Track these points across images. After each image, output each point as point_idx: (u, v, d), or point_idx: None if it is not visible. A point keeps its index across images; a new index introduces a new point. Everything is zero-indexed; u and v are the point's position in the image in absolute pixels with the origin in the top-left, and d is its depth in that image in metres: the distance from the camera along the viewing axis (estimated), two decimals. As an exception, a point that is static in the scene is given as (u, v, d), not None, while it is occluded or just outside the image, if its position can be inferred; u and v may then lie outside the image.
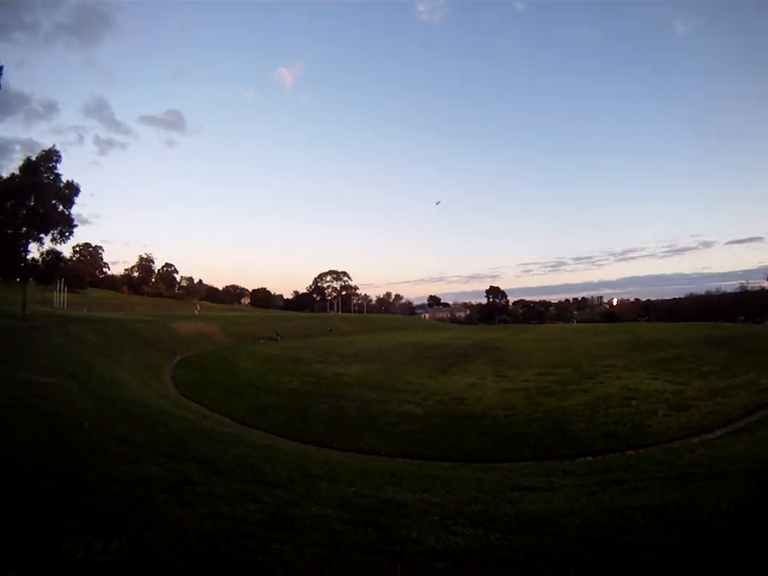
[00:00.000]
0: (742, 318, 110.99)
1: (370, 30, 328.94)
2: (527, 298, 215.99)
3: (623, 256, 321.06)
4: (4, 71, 40.41)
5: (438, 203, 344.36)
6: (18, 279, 52.28)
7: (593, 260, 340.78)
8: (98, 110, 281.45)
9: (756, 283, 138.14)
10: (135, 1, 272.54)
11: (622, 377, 27.31)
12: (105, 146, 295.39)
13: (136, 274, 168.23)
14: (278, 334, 72.81)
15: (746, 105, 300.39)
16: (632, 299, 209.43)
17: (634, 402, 20.61)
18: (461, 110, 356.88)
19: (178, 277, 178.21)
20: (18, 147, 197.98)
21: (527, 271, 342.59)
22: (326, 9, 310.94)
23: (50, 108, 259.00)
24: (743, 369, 27.92)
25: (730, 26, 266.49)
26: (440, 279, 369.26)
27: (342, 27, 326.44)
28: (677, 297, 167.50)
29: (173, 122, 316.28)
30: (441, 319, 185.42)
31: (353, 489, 7.81)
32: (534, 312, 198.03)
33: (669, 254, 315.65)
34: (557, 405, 21.02)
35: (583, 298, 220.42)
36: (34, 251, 46.45)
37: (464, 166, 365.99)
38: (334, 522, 5.76)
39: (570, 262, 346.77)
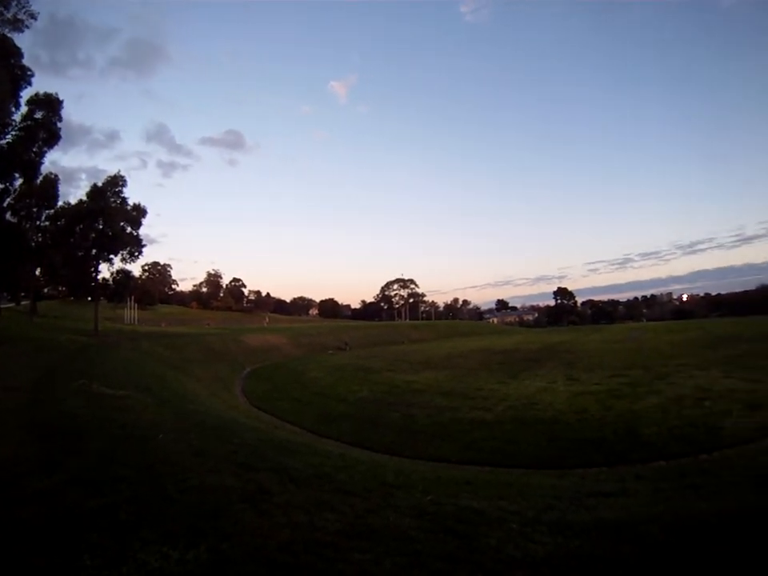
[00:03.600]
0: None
1: (416, 36, 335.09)
2: (595, 298, 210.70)
3: (691, 249, 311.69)
4: (64, 105, 43.47)
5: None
6: (90, 298, 54.68)
7: (660, 255, 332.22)
8: (159, 135, 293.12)
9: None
10: (184, 29, 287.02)
11: (695, 376, 26.40)
12: (168, 168, 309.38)
13: (204, 290, 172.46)
14: (346, 344, 72.99)
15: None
16: (702, 294, 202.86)
17: (707, 403, 19.95)
18: (516, 107, 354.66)
19: (245, 291, 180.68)
20: (83, 175, 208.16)
21: (594, 270, 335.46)
22: (371, 20, 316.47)
23: (112, 137, 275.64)
24: (821, 363, 26.75)
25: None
26: (507, 283, 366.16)
27: (389, 37, 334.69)
28: (747, 289, 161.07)
29: (232, 141, 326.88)
30: (509, 323, 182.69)
31: (429, 497, 7.79)
32: (603, 312, 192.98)
33: (737, 243, 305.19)
34: (628, 408, 20.50)
35: (652, 296, 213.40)
36: (105, 271, 49.57)
37: (524, 165, 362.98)
38: (413, 531, 5.76)
39: (637, 258, 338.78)
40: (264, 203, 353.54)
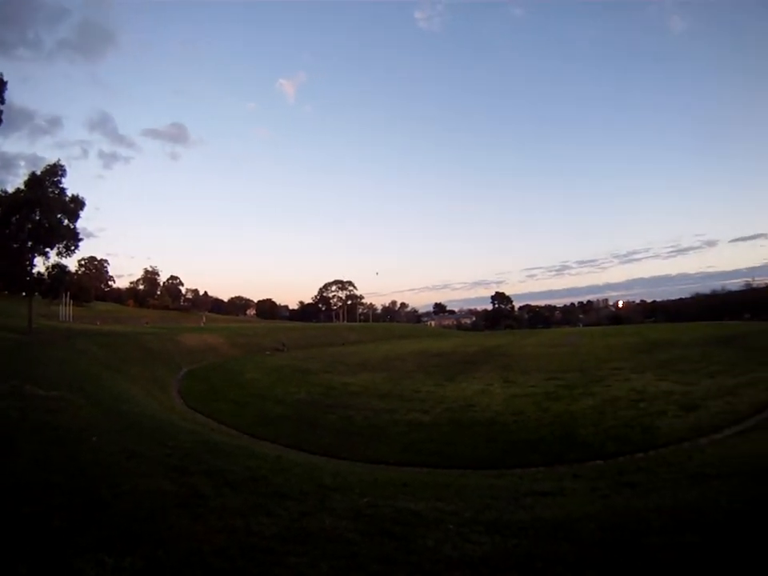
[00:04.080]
0: (748, 315, 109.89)
1: (369, 38, 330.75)
2: (532, 303, 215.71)
3: (627, 258, 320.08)
4: (8, 87, 41.14)
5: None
6: (24, 293, 52.10)
7: (597, 263, 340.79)
8: (102, 124, 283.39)
9: (761, 280, 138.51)
10: (137, 17, 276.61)
11: (630, 379, 27.29)
12: (109, 159, 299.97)
13: (141, 287, 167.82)
14: (283, 345, 72.45)
15: (747, 102, 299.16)
16: (638, 301, 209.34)
17: (642, 404, 20.56)
18: (461, 115, 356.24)
19: (183, 289, 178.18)
20: (22, 162, 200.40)
21: (532, 276, 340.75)
22: (325, 20, 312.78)
23: (54, 123, 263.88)
24: (751, 366, 27.83)
25: (729, 23, 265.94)
26: (445, 286, 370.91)
27: (342, 38, 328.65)
28: (682, 297, 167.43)
29: (176, 134, 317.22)
30: (446, 326, 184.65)
31: (366, 499, 7.63)
32: (540, 317, 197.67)
33: (673, 254, 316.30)
34: (565, 409, 20.93)
35: (589, 302, 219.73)
36: (40, 265, 46.72)
37: (465, 172, 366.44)
38: (350, 534, 5.63)
39: (574, 265, 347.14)
40: (204, 199, 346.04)
